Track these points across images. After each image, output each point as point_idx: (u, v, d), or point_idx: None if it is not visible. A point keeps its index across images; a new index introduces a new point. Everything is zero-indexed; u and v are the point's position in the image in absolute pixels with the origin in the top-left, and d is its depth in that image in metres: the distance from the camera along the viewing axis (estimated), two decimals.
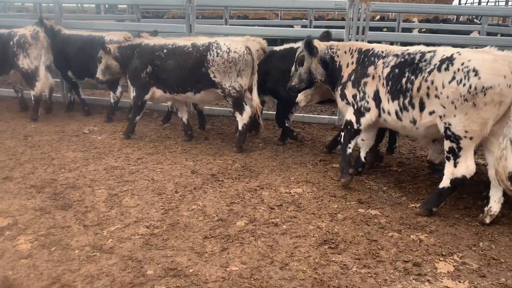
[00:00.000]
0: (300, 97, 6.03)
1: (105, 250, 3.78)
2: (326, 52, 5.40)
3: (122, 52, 6.85)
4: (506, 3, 24.74)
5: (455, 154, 4.26)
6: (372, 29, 7.94)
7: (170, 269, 3.52)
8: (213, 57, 6.12)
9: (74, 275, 3.43)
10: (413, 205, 4.77)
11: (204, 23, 14.00)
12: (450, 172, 4.33)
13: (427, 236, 4.11)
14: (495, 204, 4.31)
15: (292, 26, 14.91)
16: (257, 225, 4.26)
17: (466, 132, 4.13)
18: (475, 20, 17.15)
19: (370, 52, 5.00)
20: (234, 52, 6.07)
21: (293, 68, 5.66)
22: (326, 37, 6.02)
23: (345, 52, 5.28)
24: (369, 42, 7.72)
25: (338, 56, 5.33)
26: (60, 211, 4.49)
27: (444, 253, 3.84)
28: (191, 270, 3.50)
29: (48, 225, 4.19)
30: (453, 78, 4.12)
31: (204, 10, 22.84)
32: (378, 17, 15.54)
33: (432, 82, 4.28)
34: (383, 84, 4.74)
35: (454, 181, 4.33)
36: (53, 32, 8.11)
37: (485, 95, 3.95)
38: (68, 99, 8.93)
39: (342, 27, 7.66)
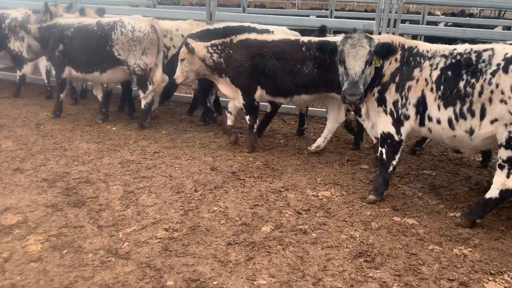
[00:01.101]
0: (177, 74, 5.91)
1: (121, 255, 3.48)
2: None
3: (42, 32, 6.93)
4: None
5: (511, 164, 3.86)
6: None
7: (192, 280, 3.20)
8: (117, 35, 6.29)
9: (88, 284, 3.13)
10: (452, 214, 4.39)
11: (223, 11, 13.69)
12: (501, 182, 3.93)
13: (471, 251, 3.74)
14: None
15: (308, 16, 14.49)
16: (284, 231, 3.92)
17: None
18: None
19: (415, 51, 4.36)
20: (139, 31, 6.27)
21: (357, 70, 4.22)
22: (322, 31, 5.45)
23: None
24: (400, 35, 7.30)
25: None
26: (72, 208, 4.19)
27: (492, 272, 3.47)
28: (215, 282, 3.18)
29: (60, 224, 3.90)
30: None
31: None
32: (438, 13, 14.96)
33: (498, 85, 3.78)
34: (431, 89, 4.17)
35: (504, 193, 3.93)
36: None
37: None
38: (81, 86, 8.64)
39: (364, 18, 7.21)
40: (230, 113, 6.11)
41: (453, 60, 4.09)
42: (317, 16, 14.17)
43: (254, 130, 5.98)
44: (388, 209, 4.43)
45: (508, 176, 3.89)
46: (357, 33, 4.32)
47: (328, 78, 5.35)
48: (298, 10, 18.33)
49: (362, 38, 4.26)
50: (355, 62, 4.21)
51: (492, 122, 3.88)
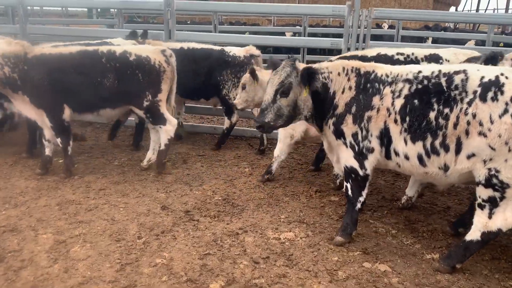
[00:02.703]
0: None
1: None
2: (318, 79, 3.97)
3: None
4: (506, 10, 24.15)
5: (494, 204, 3.36)
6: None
7: None
8: None
9: None
10: (429, 256, 3.88)
11: (192, 29, 13.20)
12: (482, 224, 3.43)
13: None
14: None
15: (284, 33, 14.12)
16: None
17: None
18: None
19: (372, 76, 3.83)
20: None
21: (267, 98, 3.99)
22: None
23: (339, 74, 3.98)
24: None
25: (331, 81, 3.98)
26: None
27: None
28: None
29: None
30: (506, 111, 3.17)
31: (194, 15, 22.05)
32: (385, 26, 14.72)
33: (475, 116, 3.27)
34: (395, 120, 3.63)
35: (486, 235, 3.43)
36: None
37: None
38: None
39: (339, 35, 6.81)
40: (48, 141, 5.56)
41: (419, 86, 3.56)
42: (294, 34, 13.85)
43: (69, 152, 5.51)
44: (358, 252, 3.90)
45: (490, 217, 3.39)
46: (288, 60, 4.02)
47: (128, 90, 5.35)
48: (273, 27, 17.96)
49: (285, 66, 3.98)
50: (269, 90, 3.97)
51: (469, 157, 3.37)
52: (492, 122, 3.21)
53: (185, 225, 4.32)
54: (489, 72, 3.36)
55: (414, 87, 3.58)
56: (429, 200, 5.09)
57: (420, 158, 3.58)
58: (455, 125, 3.36)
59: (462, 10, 29.29)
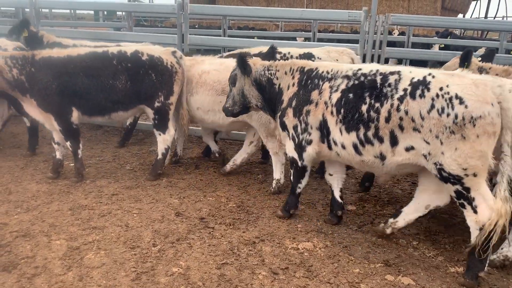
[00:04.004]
0: None
1: None
2: (263, 73, 4.48)
3: None
4: None
5: (467, 198, 3.48)
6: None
7: None
8: None
9: None
10: (453, 269, 3.76)
11: (203, 34, 13.14)
12: (474, 222, 3.47)
13: None
14: (403, 221, 4.09)
15: (294, 39, 14.04)
16: None
17: (465, 169, 3.42)
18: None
19: (314, 73, 4.18)
20: None
21: (228, 88, 4.87)
22: (270, 53, 4.90)
23: (286, 73, 4.39)
24: (387, 58, 6.81)
25: (277, 78, 4.43)
26: (0, 273, 3.45)
27: None
28: None
29: None
30: (433, 106, 3.44)
31: (201, 19, 22.04)
32: (396, 33, 14.60)
33: (407, 112, 3.52)
34: (332, 112, 3.94)
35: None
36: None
37: (474, 126, 3.33)
38: None
39: (349, 41, 6.72)
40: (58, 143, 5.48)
41: (356, 82, 3.85)
42: (305, 39, 13.75)
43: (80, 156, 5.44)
44: (379, 264, 3.78)
45: (476, 212, 3.47)
46: (237, 55, 4.59)
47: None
48: (282, 32, 17.88)
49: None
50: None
51: (407, 149, 3.62)
52: (423, 118, 3.47)
53: (200, 232, 4.22)
54: (419, 73, 3.63)
55: (351, 82, 3.87)
56: (448, 210, 4.96)
57: (355, 147, 3.87)
58: (387, 119, 3.62)
59: (471, 17, 29.16)
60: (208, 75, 5.54)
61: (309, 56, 5.74)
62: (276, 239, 4.14)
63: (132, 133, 7.02)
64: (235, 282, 3.44)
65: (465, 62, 4.55)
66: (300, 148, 4.27)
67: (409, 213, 4.06)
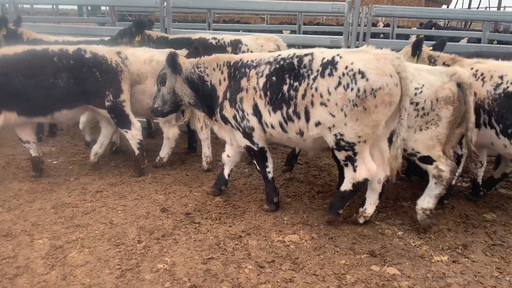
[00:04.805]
0: None
1: None
2: (193, 71, 4.56)
3: None
4: (498, 8, 24.24)
5: (352, 160, 4.01)
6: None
7: None
8: None
9: None
10: (438, 258, 3.79)
11: (185, 27, 13.00)
12: (351, 177, 4.08)
13: None
14: (370, 207, 4.30)
15: (280, 31, 13.98)
16: None
17: (360, 137, 3.89)
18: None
19: (240, 64, 4.40)
20: None
21: (155, 88, 4.87)
22: (194, 52, 4.91)
23: (214, 69, 4.52)
24: None
25: (208, 75, 4.54)
26: None
27: None
28: None
29: None
30: (339, 83, 3.80)
31: (186, 13, 21.83)
32: (381, 24, 14.64)
33: (317, 89, 3.89)
34: (260, 96, 4.19)
35: (356, 185, 4.10)
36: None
37: (375, 97, 3.73)
38: None
39: (334, 33, 6.72)
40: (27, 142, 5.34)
41: (277, 66, 4.13)
42: (291, 32, 13.69)
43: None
44: (365, 255, 3.80)
45: (355, 170, 4.04)
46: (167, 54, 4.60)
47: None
48: (267, 25, 17.80)
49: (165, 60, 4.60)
50: (156, 81, 4.85)
51: (316, 125, 3.97)
52: (329, 93, 3.83)
53: (186, 228, 4.19)
54: (329, 53, 3.96)
55: (273, 67, 4.15)
56: None
57: (281, 126, 4.17)
58: (303, 96, 3.95)
59: (454, 8, 29.37)
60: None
61: (238, 43, 6.05)
62: (263, 233, 4.13)
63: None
64: (221, 277, 3.43)
65: (416, 50, 4.65)
66: (247, 134, 4.43)
67: (370, 196, 4.30)
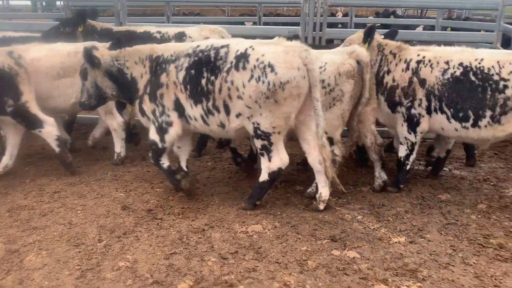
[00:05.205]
0: None
1: None
2: (113, 64, 4.56)
3: None
4: None
5: (268, 150, 4.19)
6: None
7: None
8: None
9: None
10: (396, 239, 3.92)
11: (145, 21, 12.72)
12: (266, 167, 4.27)
13: (420, 286, 3.26)
14: (323, 189, 4.39)
15: (241, 23, 13.92)
16: (205, 287, 3.24)
17: (274, 128, 4.08)
18: None
19: (161, 59, 4.42)
20: None
21: (81, 83, 4.86)
22: (117, 44, 4.86)
23: (136, 63, 4.53)
24: (328, 40, 6.90)
25: (128, 68, 4.55)
26: None
27: None
28: None
29: None
30: (252, 76, 3.95)
31: (145, 7, 21.37)
32: (340, 14, 14.82)
33: (233, 83, 4.02)
34: (181, 90, 4.26)
35: (271, 174, 4.28)
36: None
37: (283, 90, 3.93)
38: None
39: (294, 24, 6.78)
40: None
41: (196, 58, 4.20)
42: (254, 23, 13.64)
43: None
44: (326, 240, 3.88)
45: (270, 160, 4.22)
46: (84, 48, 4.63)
47: None
48: (228, 17, 17.69)
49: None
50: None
51: (237, 116, 4.12)
52: (244, 86, 3.96)
53: (148, 224, 4.15)
54: (243, 45, 4.08)
55: (192, 59, 4.21)
56: (392, 184, 5.14)
57: (203, 118, 4.27)
58: (220, 90, 4.07)
59: None
60: (39, 62, 5.32)
61: (182, 35, 5.96)
62: (226, 225, 4.15)
63: (72, 127, 6.69)
64: (184, 271, 3.42)
65: (368, 37, 4.77)
66: (161, 130, 4.45)
67: (318, 179, 4.41)
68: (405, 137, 4.76)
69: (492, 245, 3.84)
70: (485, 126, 4.31)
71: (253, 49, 4.03)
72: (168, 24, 8.84)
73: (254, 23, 13.61)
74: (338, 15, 15.45)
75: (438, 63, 4.46)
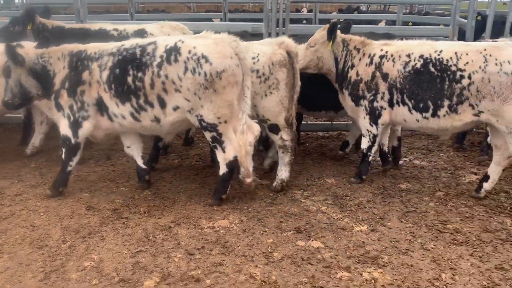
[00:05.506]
0: None
1: None
2: (37, 62, 4.54)
3: None
4: None
5: (219, 141, 4.28)
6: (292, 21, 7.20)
7: None
8: None
9: None
10: (358, 228, 4.05)
11: (107, 19, 12.48)
12: (223, 159, 4.34)
13: (381, 272, 3.39)
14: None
15: (207, 20, 13.86)
16: (172, 283, 3.27)
17: (219, 118, 4.17)
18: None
19: (83, 55, 4.42)
20: None
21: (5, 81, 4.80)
22: (44, 42, 4.93)
23: (59, 59, 4.53)
24: (291, 36, 6.97)
25: (51, 65, 4.54)
26: None
27: None
28: None
29: None
30: (186, 68, 4.04)
31: (109, 4, 20.93)
32: (305, 10, 14.97)
33: (167, 76, 4.07)
34: (105, 89, 4.28)
35: (229, 164, 4.35)
36: None
37: (221, 79, 4.04)
38: None
39: (259, 20, 6.82)
40: None
41: (120, 57, 4.23)
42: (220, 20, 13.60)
43: None
44: (291, 232, 3.97)
45: (224, 151, 4.30)
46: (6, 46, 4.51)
47: None
48: (193, 13, 17.57)
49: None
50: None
51: (175, 109, 4.18)
52: (180, 79, 4.04)
53: (113, 224, 4.12)
54: (172, 40, 4.18)
55: (116, 58, 4.24)
56: (355, 175, 5.27)
57: (133, 116, 4.29)
58: (152, 86, 4.11)
59: None
60: None
61: (142, 33, 5.87)
62: (192, 221, 4.17)
63: (30, 129, 6.48)
64: (151, 268, 3.43)
65: (331, 35, 4.89)
66: (76, 125, 4.45)
67: (248, 162, 4.43)
68: (367, 130, 4.90)
69: (449, 230, 4.02)
70: (444, 116, 4.47)
71: (182, 42, 4.12)
72: (128, 21, 8.68)
73: (221, 20, 13.59)
74: (303, 11, 15.60)
75: (400, 56, 4.61)
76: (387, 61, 4.68)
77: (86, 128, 4.46)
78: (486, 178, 4.63)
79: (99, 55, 4.32)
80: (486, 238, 3.90)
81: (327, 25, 4.97)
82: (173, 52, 4.07)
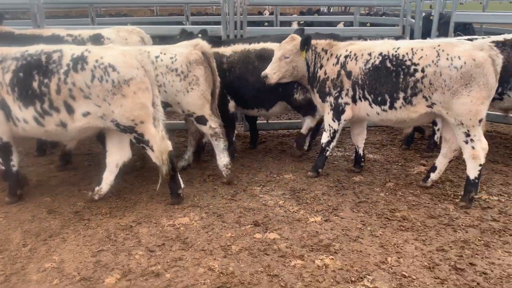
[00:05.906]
0: None
1: None
2: None
3: None
4: None
5: (144, 141, 4.42)
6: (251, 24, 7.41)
7: None
8: None
9: None
10: (313, 219, 4.28)
11: (68, 24, 12.33)
12: (155, 157, 4.46)
13: (332, 259, 3.62)
14: (106, 185, 4.73)
15: (169, 23, 13.89)
16: (132, 279, 3.38)
17: (133, 120, 4.30)
18: None
19: None
20: None
21: None
22: None
23: None
24: (250, 38, 7.15)
25: None
26: None
27: (353, 279, 3.37)
28: None
29: None
30: (94, 76, 4.16)
31: (69, 9, 20.57)
32: (267, 13, 15.21)
33: (74, 84, 4.17)
34: (7, 91, 4.29)
35: (167, 161, 4.47)
36: None
37: (129, 86, 4.21)
38: None
39: (220, 22, 6.99)
40: None
41: (24, 62, 4.27)
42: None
43: None
44: (249, 226, 4.15)
45: (153, 150, 4.42)
46: None
47: None
48: (157, 17, 17.52)
49: None
50: None
51: (85, 115, 4.27)
52: (88, 87, 4.17)
53: (75, 226, 4.18)
54: (78, 50, 4.30)
55: (20, 63, 4.27)
56: (311, 170, 5.51)
57: (36, 120, 4.31)
58: (58, 92, 4.19)
59: None
60: None
61: (98, 37, 5.87)
62: (153, 220, 4.28)
63: None
64: (112, 266, 3.53)
65: (305, 45, 5.10)
66: None
67: (108, 177, 4.73)
68: (329, 125, 5.15)
69: (396, 218, 4.30)
70: (400, 108, 4.72)
71: (89, 52, 4.25)
72: (86, 26, 8.66)
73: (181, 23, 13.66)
74: (265, 14, 15.88)
75: (362, 55, 4.88)
76: (351, 60, 4.94)
77: (3, 130, 4.43)
78: (433, 169, 4.96)
79: (2, 58, 4.33)
80: (430, 224, 4.20)
81: (293, 35, 5.22)
82: (80, 61, 4.18)
